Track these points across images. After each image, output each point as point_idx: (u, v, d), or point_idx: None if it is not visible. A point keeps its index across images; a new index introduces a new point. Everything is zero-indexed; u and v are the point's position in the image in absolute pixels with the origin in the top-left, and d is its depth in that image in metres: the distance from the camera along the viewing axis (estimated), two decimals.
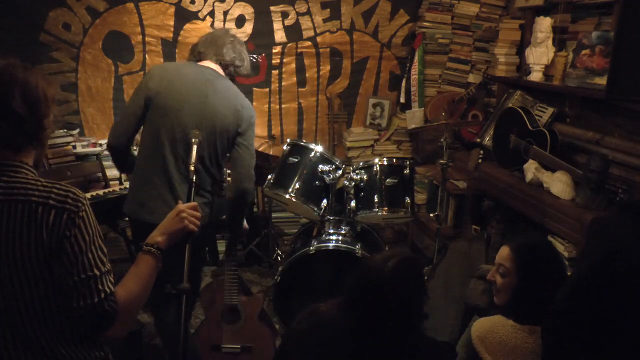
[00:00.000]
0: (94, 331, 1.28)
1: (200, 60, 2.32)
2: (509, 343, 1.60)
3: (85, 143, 3.79)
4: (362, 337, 1.48)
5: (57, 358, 1.27)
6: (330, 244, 2.85)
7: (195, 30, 3.85)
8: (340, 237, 2.92)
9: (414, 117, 4.05)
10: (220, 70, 2.32)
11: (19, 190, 1.24)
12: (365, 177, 2.99)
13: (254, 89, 4.05)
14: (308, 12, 3.96)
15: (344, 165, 3.07)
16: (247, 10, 3.87)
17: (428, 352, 1.60)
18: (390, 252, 1.51)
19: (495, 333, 1.63)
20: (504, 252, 1.75)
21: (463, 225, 3.40)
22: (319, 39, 4.04)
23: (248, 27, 3.91)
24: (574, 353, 1.35)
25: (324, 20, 4.01)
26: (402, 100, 4.16)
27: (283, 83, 4.10)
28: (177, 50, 3.87)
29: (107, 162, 3.77)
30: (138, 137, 2.29)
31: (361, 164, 3.08)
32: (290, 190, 2.91)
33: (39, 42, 3.65)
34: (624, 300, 1.27)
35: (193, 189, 1.83)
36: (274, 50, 3.99)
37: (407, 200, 2.97)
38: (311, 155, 2.98)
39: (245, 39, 3.91)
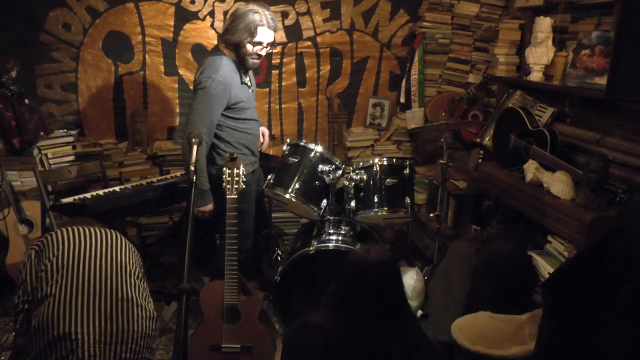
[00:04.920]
0: None
1: None
2: (480, 326, 1.79)
3: (85, 143, 3.79)
4: (359, 327, 1.61)
5: None
6: (330, 244, 2.86)
7: (195, 30, 3.85)
8: (340, 237, 2.93)
9: (414, 117, 4.05)
10: (222, 46, 2.80)
11: None
12: (365, 177, 2.99)
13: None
14: (308, 12, 3.96)
15: (343, 165, 3.07)
16: None
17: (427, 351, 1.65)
18: (366, 246, 1.72)
19: (470, 320, 1.85)
20: None
21: (463, 225, 3.40)
22: (319, 39, 4.04)
23: None
24: (570, 314, 1.43)
25: (324, 20, 4.00)
26: (402, 100, 4.16)
27: (283, 83, 4.10)
28: (177, 50, 3.87)
29: (107, 162, 3.78)
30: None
31: (361, 164, 3.08)
32: (290, 190, 2.91)
33: (39, 42, 3.65)
34: (618, 271, 1.32)
35: (193, 188, 1.86)
36: (273, 50, 3.99)
37: (407, 200, 2.97)
38: (311, 155, 2.98)
39: None
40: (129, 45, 3.81)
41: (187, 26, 3.84)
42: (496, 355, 1.65)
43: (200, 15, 3.84)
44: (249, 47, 2.70)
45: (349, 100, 4.22)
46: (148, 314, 1.92)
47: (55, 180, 3.56)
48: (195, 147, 2.13)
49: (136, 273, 2.00)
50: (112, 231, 2.06)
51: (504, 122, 3.30)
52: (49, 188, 3.48)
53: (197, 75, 2.74)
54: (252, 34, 2.67)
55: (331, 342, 1.60)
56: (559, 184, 2.74)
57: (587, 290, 1.38)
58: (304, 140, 3.15)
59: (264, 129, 3.28)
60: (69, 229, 1.99)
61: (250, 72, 2.98)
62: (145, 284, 2.07)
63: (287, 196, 2.90)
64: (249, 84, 2.91)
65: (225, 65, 2.71)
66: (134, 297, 1.90)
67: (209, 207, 2.78)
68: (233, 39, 2.69)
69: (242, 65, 2.80)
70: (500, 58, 3.73)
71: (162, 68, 3.89)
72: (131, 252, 2.05)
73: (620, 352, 1.30)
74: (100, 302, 1.81)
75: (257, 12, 2.67)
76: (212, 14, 3.85)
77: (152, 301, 2.07)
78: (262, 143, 3.28)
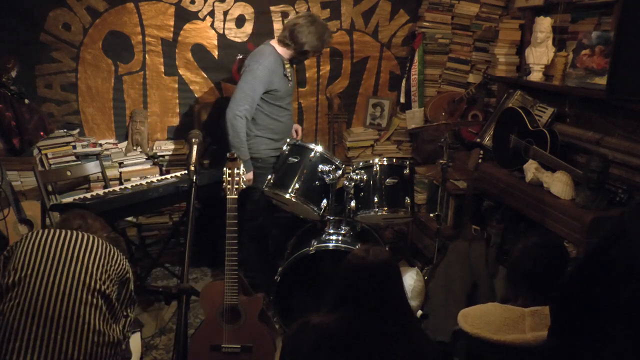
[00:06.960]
0: None
1: None
2: (484, 314, 1.81)
3: (85, 143, 3.79)
4: (359, 327, 1.61)
5: None
6: (330, 244, 2.86)
7: (195, 30, 3.85)
8: (340, 237, 2.93)
9: (414, 117, 4.05)
10: (274, 42, 3.16)
11: None
12: (365, 177, 2.99)
13: None
14: None
15: (344, 165, 3.07)
16: (247, 10, 3.88)
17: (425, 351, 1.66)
18: (365, 247, 1.72)
19: (476, 308, 1.86)
20: None
21: (463, 225, 3.39)
22: None
23: (248, 27, 3.91)
24: (577, 321, 1.43)
25: (324, 20, 4.00)
26: (402, 100, 4.16)
27: None
28: (177, 50, 3.87)
29: (107, 162, 3.78)
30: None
31: (361, 164, 3.08)
32: (290, 190, 2.91)
33: (39, 42, 3.64)
34: (621, 278, 1.32)
35: (194, 188, 1.86)
36: None
37: (407, 200, 2.97)
38: (311, 155, 2.98)
39: (245, 39, 3.91)
40: (129, 45, 3.81)
41: (187, 26, 3.84)
42: (493, 339, 1.70)
43: (200, 15, 3.84)
44: (310, 54, 3.19)
45: (349, 100, 4.22)
46: (105, 339, 1.77)
47: (55, 180, 3.56)
48: (195, 147, 2.13)
49: (102, 290, 1.82)
50: (91, 236, 1.91)
51: (504, 122, 3.30)
52: (49, 188, 3.49)
53: (247, 60, 3.10)
54: (321, 48, 3.20)
55: (330, 342, 1.61)
56: (559, 184, 2.74)
57: (591, 298, 1.38)
58: (303, 140, 3.15)
59: (297, 126, 3.55)
60: (40, 234, 1.85)
61: (292, 68, 3.29)
62: (116, 300, 1.89)
63: (287, 196, 2.90)
64: (290, 77, 3.21)
65: (274, 56, 3.08)
66: (90, 320, 1.75)
67: (250, 175, 3.08)
68: (305, 40, 3.05)
69: (293, 60, 3.22)
70: (500, 58, 3.73)
71: (162, 68, 3.89)
72: (105, 262, 1.87)
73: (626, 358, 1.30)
74: (51, 328, 1.69)
75: (330, 33, 3.23)
76: (212, 14, 3.84)
77: (121, 321, 1.92)
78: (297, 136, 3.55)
